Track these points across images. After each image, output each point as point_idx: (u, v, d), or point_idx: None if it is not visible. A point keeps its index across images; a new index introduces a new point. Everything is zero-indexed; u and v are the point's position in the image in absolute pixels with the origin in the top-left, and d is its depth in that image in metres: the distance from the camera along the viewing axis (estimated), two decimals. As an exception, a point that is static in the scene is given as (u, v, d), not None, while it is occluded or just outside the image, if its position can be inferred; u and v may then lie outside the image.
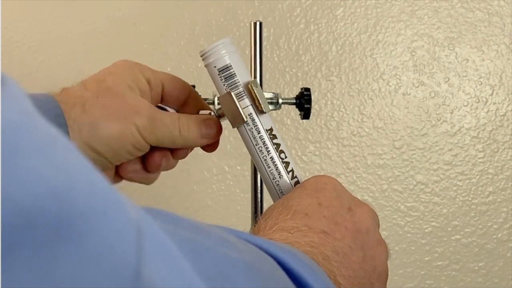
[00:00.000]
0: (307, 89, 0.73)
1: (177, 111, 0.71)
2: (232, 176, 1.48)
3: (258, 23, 0.74)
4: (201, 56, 0.65)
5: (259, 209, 0.96)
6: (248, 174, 1.26)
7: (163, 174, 1.34)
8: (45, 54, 1.52)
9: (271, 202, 0.81)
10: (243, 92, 0.63)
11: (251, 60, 0.76)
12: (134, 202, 0.51)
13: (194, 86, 0.75)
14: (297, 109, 0.75)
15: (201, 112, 0.67)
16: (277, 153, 0.64)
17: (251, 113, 0.64)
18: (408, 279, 1.20)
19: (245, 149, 0.77)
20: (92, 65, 1.36)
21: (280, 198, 0.68)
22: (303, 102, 0.73)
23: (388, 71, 1.11)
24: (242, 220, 1.46)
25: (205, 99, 0.72)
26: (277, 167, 0.66)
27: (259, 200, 0.95)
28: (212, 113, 0.69)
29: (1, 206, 0.28)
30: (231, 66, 0.63)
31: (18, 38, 1.49)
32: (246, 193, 1.45)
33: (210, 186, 1.52)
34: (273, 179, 0.66)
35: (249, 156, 0.68)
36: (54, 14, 1.48)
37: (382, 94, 1.12)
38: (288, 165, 0.65)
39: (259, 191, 0.95)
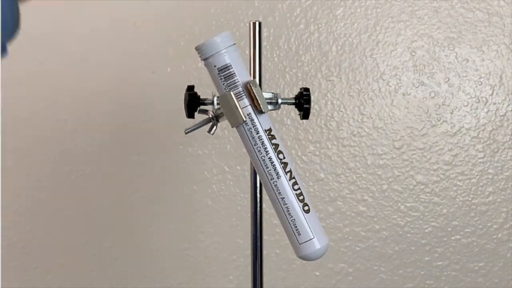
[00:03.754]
0: (307, 89, 0.74)
1: None
2: (232, 176, 1.48)
3: (257, 23, 0.75)
4: (198, 52, 0.65)
5: (258, 209, 0.93)
6: (248, 174, 1.25)
7: (163, 174, 1.32)
8: (45, 54, 1.50)
9: (271, 203, 0.80)
10: (242, 92, 0.64)
11: (251, 60, 0.76)
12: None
13: (193, 87, 0.76)
14: (296, 109, 0.75)
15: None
16: (276, 154, 0.65)
17: (250, 113, 0.64)
18: (408, 279, 1.20)
19: (245, 149, 0.76)
20: (92, 64, 1.34)
21: (278, 198, 0.69)
22: (303, 102, 0.74)
23: (388, 71, 1.11)
24: (242, 220, 1.45)
25: (205, 99, 0.73)
26: (275, 168, 0.67)
27: (258, 200, 0.93)
28: (211, 113, 0.69)
29: None
30: (231, 65, 0.64)
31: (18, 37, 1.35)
32: (246, 193, 1.44)
33: (210, 186, 1.50)
34: (271, 179, 0.67)
35: (249, 156, 0.68)
36: (54, 14, 1.47)
37: (382, 94, 1.13)
38: (287, 166, 0.65)
39: (258, 191, 0.93)
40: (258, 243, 0.95)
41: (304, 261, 0.89)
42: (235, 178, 1.48)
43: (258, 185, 0.93)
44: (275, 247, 1.30)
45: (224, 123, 0.72)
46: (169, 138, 1.36)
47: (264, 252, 0.97)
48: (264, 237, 0.94)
